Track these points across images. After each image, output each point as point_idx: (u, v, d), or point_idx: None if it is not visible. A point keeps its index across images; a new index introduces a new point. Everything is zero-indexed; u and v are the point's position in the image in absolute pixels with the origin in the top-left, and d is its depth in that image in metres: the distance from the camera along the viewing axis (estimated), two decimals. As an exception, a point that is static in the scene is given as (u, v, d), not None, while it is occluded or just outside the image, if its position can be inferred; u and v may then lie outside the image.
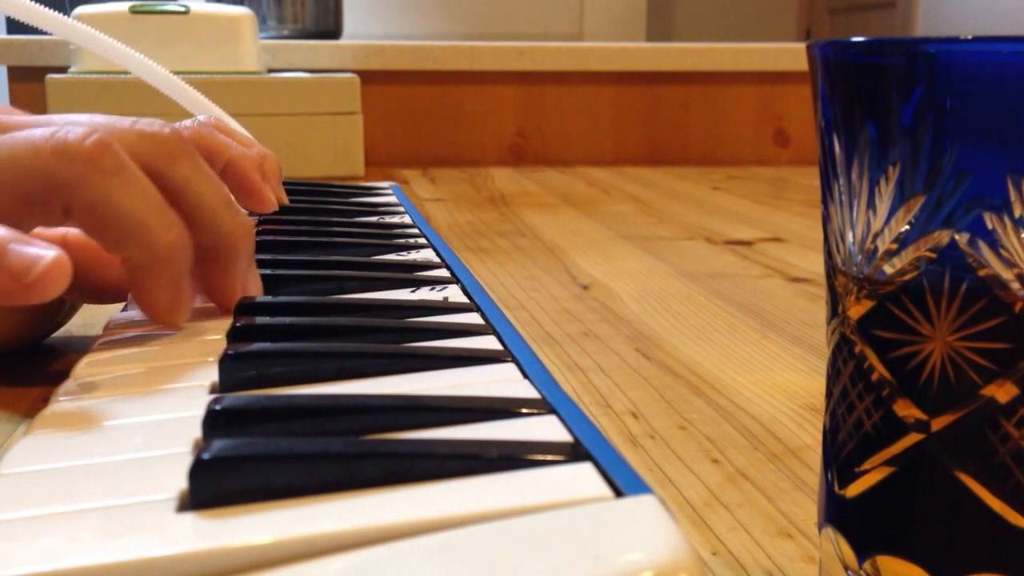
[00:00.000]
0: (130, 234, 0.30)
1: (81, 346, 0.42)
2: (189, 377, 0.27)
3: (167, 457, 0.22)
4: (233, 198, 0.35)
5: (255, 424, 0.23)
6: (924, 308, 0.20)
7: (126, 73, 0.54)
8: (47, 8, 0.48)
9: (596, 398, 0.39)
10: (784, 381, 0.42)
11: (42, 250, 0.27)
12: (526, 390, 0.25)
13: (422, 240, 0.45)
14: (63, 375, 0.29)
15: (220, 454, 0.19)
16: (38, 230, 0.37)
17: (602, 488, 0.19)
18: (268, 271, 0.37)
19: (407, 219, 0.51)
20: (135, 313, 0.35)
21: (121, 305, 0.37)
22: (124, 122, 0.32)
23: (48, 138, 0.29)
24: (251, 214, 0.46)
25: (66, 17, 0.49)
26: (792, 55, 1.40)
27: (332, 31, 1.50)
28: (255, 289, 0.35)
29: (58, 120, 0.33)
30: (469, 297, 0.35)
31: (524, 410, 0.23)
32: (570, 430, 0.22)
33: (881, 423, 0.21)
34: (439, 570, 0.16)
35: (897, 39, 0.20)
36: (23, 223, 0.30)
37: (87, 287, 0.37)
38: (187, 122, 0.43)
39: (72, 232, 0.37)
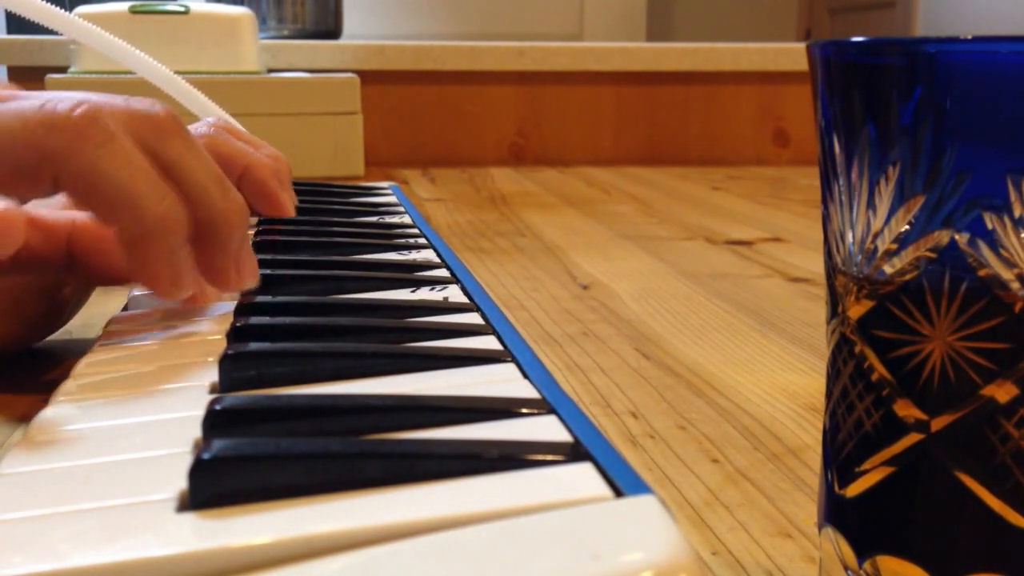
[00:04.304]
0: (119, 203, 0.30)
1: (81, 346, 0.42)
2: (189, 377, 0.27)
3: (167, 457, 0.22)
4: (224, 175, 0.35)
5: (255, 424, 0.23)
6: (924, 308, 0.20)
7: (126, 73, 0.54)
8: (53, 6, 0.48)
9: (596, 398, 0.39)
10: (784, 381, 0.42)
11: None
12: (526, 390, 0.25)
13: (422, 240, 0.45)
14: (63, 375, 0.29)
15: (220, 454, 0.19)
16: (45, 212, 0.37)
17: (602, 488, 0.19)
18: (268, 271, 0.37)
19: (407, 219, 0.51)
20: (135, 312, 0.35)
21: (122, 304, 0.37)
22: (117, 100, 0.32)
23: (37, 110, 0.29)
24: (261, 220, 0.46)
25: (71, 15, 0.49)
26: (792, 55, 1.40)
27: (332, 31, 1.50)
28: (250, 270, 0.34)
29: (49, 94, 0.33)
30: (469, 297, 0.35)
31: (524, 410, 0.23)
32: (570, 430, 0.22)
33: (881, 423, 0.21)
34: (439, 570, 0.16)
35: (897, 39, 0.20)
36: (13, 194, 0.30)
37: (94, 271, 0.37)
38: (201, 128, 0.43)
39: (80, 217, 0.37)
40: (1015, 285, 0.19)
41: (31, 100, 0.30)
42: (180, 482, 0.20)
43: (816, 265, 0.66)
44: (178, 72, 0.55)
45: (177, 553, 0.17)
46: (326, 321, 0.31)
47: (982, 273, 0.19)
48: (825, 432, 0.23)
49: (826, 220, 0.22)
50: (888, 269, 0.20)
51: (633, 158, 1.39)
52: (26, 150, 0.29)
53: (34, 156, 0.29)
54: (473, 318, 0.32)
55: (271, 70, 1.24)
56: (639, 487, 0.19)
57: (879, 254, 0.21)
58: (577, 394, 0.40)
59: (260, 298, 0.34)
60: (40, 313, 0.40)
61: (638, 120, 1.40)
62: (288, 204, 0.45)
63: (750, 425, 0.36)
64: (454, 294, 0.35)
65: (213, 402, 0.23)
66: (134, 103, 0.32)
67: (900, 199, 0.20)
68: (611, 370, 0.43)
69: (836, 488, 0.22)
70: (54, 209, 0.37)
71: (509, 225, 0.83)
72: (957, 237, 0.19)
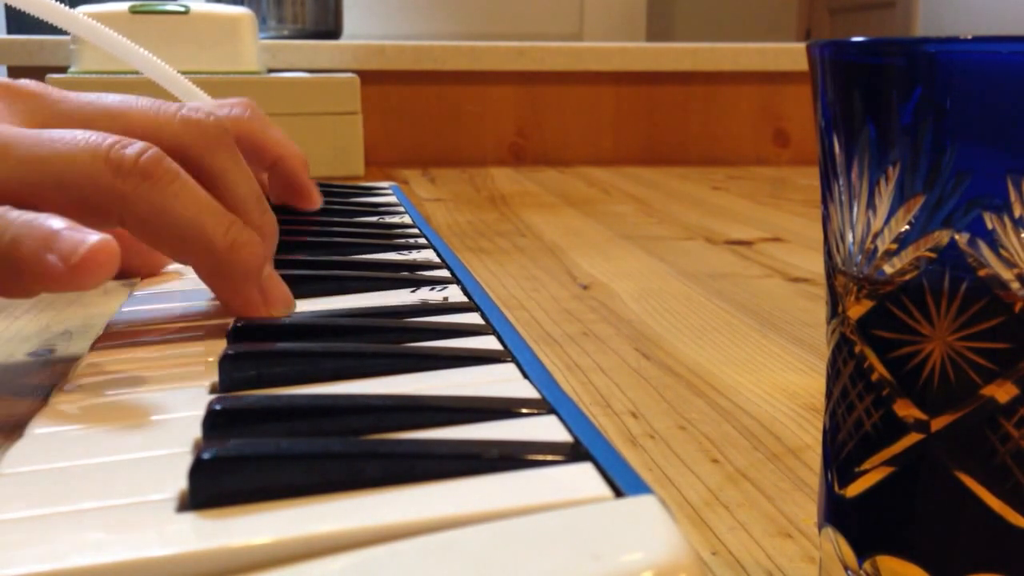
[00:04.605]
0: (189, 240, 0.31)
1: (81, 347, 0.42)
2: (189, 377, 0.27)
3: (167, 457, 0.22)
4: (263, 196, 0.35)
5: (255, 424, 0.23)
6: (924, 308, 0.20)
7: (126, 73, 0.54)
8: (59, 4, 0.48)
9: (596, 398, 0.39)
10: (784, 381, 0.42)
11: (88, 235, 0.27)
12: (526, 390, 0.25)
13: (422, 240, 0.45)
14: (63, 375, 0.29)
15: (220, 454, 0.19)
16: None
17: (602, 488, 0.19)
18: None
19: (407, 219, 0.51)
20: (135, 313, 0.35)
21: (122, 304, 0.37)
22: (170, 107, 0.33)
23: (106, 149, 0.30)
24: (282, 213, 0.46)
25: (76, 12, 0.49)
26: (792, 55, 1.40)
27: (332, 31, 1.50)
28: (277, 295, 0.33)
29: (111, 101, 0.34)
30: (469, 297, 0.35)
31: (524, 410, 0.23)
32: (570, 430, 0.22)
33: (881, 423, 0.21)
34: (439, 570, 0.16)
35: (897, 39, 0.20)
36: (77, 222, 0.30)
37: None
38: (236, 110, 0.43)
39: None
40: (1015, 285, 0.19)
41: (96, 134, 0.31)
42: (180, 482, 0.20)
43: (816, 265, 0.66)
44: (178, 72, 0.55)
45: (177, 553, 0.17)
46: (326, 321, 0.31)
47: (982, 273, 0.19)
48: (825, 432, 0.23)
49: (826, 220, 0.22)
50: (888, 269, 0.20)
51: (633, 158, 1.39)
52: (94, 189, 0.30)
53: (102, 197, 0.30)
54: (473, 318, 0.32)
55: (271, 70, 1.24)
56: (639, 487, 0.19)
57: (879, 254, 0.21)
58: (577, 394, 0.40)
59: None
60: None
61: (638, 120, 1.40)
62: (317, 196, 0.46)
63: (750, 425, 0.36)
64: (454, 294, 0.35)
65: (213, 402, 0.23)
66: (187, 111, 0.33)
67: (900, 199, 0.20)
68: (611, 370, 0.43)
69: (836, 488, 0.22)
70: None
71: (509, 225, 0.83)
72: (957, 237, 0.19)
